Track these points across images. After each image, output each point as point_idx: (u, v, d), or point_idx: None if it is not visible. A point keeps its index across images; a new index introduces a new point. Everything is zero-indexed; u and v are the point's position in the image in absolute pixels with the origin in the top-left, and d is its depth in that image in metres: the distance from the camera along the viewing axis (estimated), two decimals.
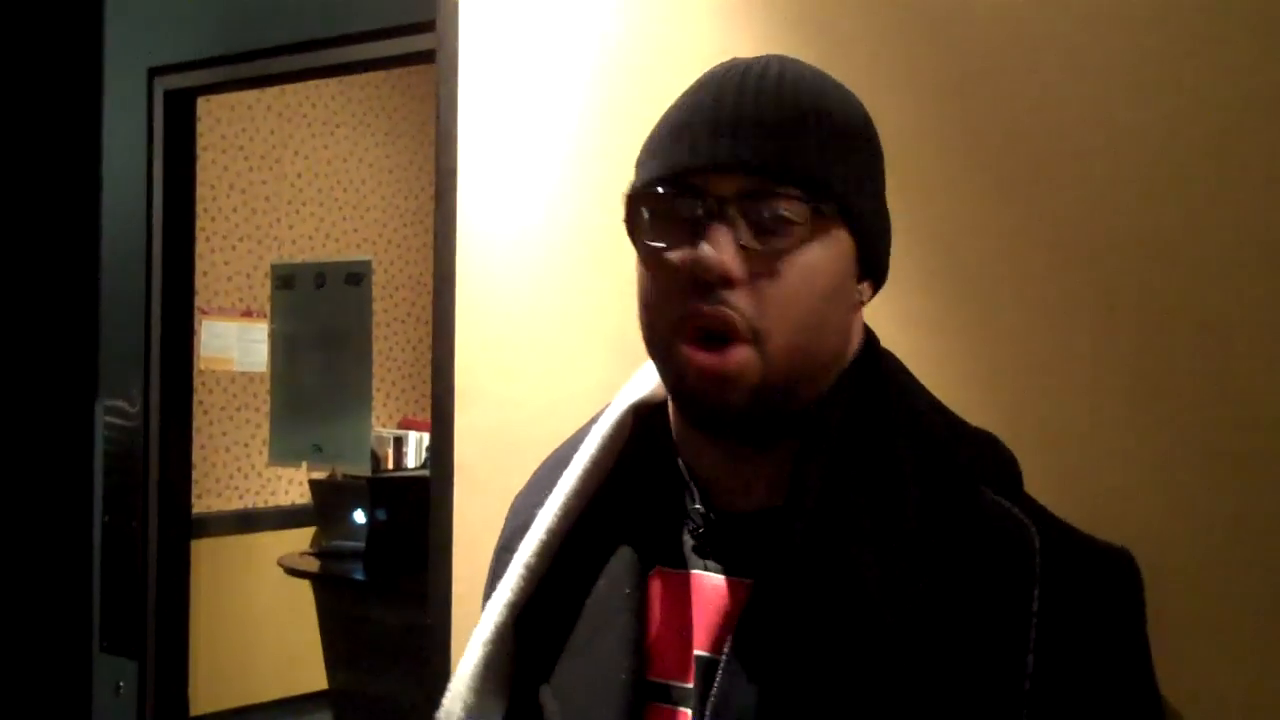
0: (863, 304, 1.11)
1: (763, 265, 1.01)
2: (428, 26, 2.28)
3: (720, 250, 1.00)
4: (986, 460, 1.11)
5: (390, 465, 5.50)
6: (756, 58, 1.10)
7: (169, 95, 2.97)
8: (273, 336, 3.25)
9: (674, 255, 1.03)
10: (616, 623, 1.11)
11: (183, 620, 3.22)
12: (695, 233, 1.02)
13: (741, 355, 1.01)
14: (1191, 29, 1.52)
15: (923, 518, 1.03)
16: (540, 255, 2.07)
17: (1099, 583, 1.04)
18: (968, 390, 1.61)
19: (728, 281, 1.00)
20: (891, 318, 1.66)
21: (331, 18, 2.59)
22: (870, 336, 1.15)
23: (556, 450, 1.28)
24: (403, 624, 4.42)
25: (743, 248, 1.01)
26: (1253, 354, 1.48)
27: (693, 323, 1.02)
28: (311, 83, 5.51)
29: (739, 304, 1.01)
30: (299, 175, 6.07)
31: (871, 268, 1.10)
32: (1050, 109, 1.60)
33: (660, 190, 1.05)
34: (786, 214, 1.01)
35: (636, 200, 1.08)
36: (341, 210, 6.30)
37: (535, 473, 1.29)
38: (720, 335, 1.01)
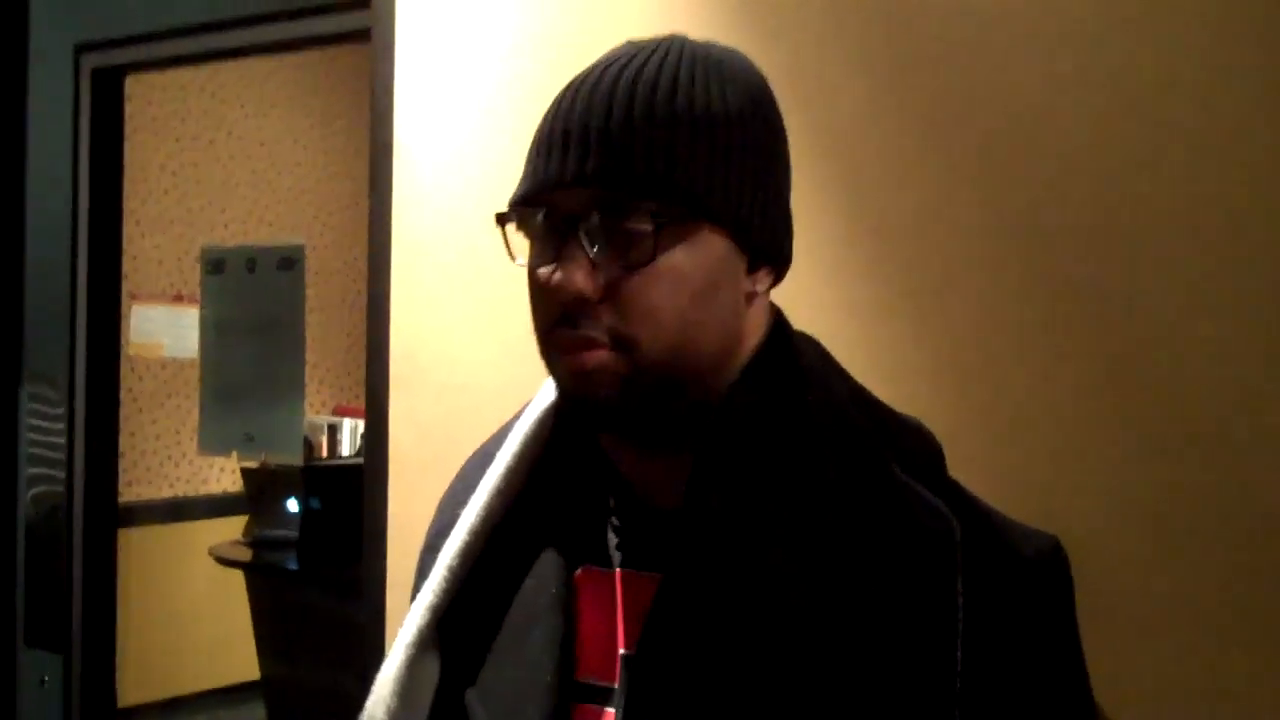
0: (758, 294, 1.09)
1: (617, 279, 1.00)
2: (362, 4, 2.24)
3: (573, 272, 1.00)
4: (909, 446, 1.09)
5: (324, 453, 5.44)
6: (633, 47, 1.08)
7: (96, 73, 2.89)
8: (203, 322, 3.18)
9: (539, 274, 1.03)
10: (543, 623, 1.10)
11: (110, 612, 3.15)
12: (556, 250, 1.02)
13: (603, 355, 1.01)
14: (1150, 7, 1.50)
15: (837, 508, 1.02)
16: (480, 239, 2.04)
17: (1024, 573, 1.03)
18: (915, 381, 1.60)
19: (583, 303, 1.00)
20: (837, 306, 1.65)
21: None
22: (780, 322, 1.13)
23: (482, 446, 1.26)
24: (336, 614, 4.38)
25: (596, 264, 1.00)
26: (1208, 349, 1.47)
27: (560, 343, 1.03)
28: (245, 62, 5.41)
29: (601, 319, 1.01)
30: (231, 157, 5.99)
31: (764, 257, 1.08)
32: (1004, 96, 1.59)
33: (521, 209, 1.06)
34: (636, 225, 1.00)
35: (504, 219, 1.09)
36: (275, 193, 6.22)
37: (461, 469, 1.27)
38: (584, 348, 1.02)
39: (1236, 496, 1.44)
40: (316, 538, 4.69)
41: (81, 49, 2.91)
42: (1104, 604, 1.41)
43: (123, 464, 4.93)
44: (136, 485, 5.45)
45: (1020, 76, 1.57)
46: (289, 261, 2.99)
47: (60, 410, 3.09)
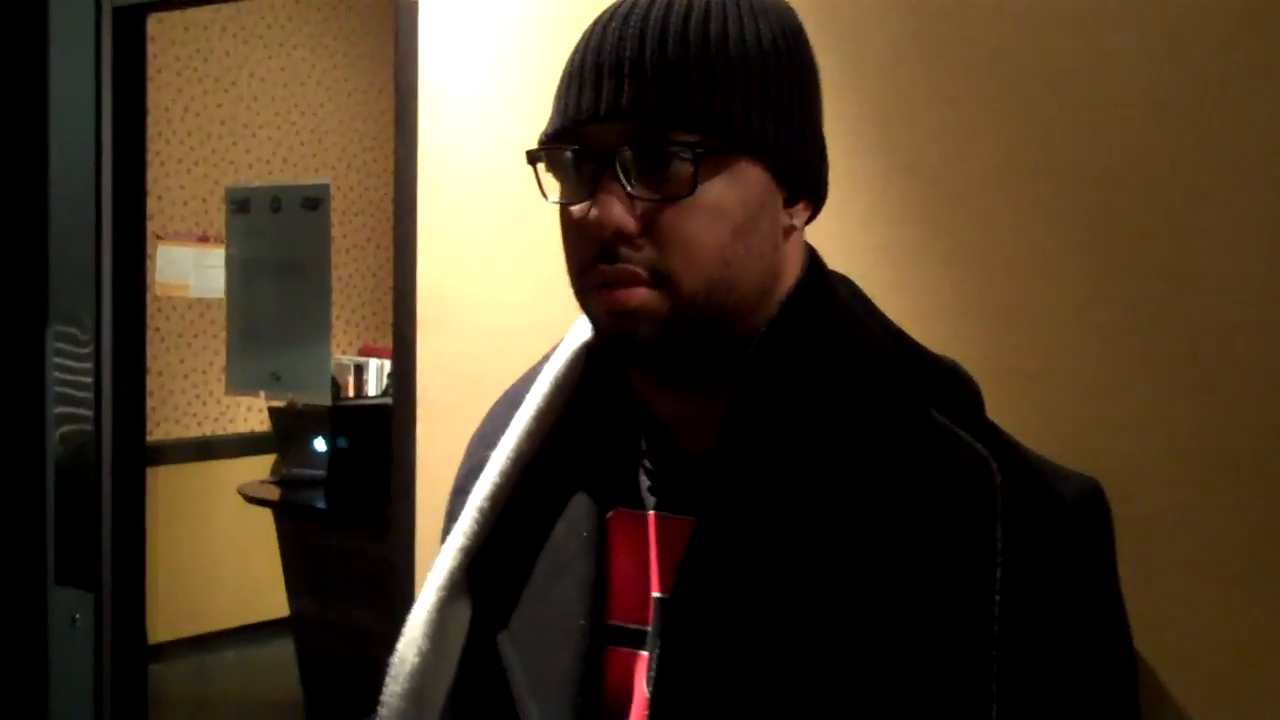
0: (796, 228, 1.08)
1: (659, 212, 0.99)
2: None
3: (611, 205, 0.99)
4: (946, 389, 1.08)
5: (350, 393, 5.46)
6: None
7: (118, 12, 2.87)
8: (228, 261, 3.17)
9: (574, 211, 1.02)
10: (575, 566, 1.10)
11: (139, 549, 3.17)
12: (591, 186, 1.00)
13: (644, 293, 1.00)
14: None
15: (875, 450, 1.01)
16: (507, 177, 2.02)
17: (1064, 517, 1.02)
18: (949, 323, 1.58)
19: (622, 237, 0.99)
20: (870, 247, 1.63)
21: None
22: (815, 262, 1.12)
23: (510, 388, 1.26)
24: (364, 552, 4.40)
25: (635, 198, 0.99)
26: (1250, 283, 1.44)
27: (597, 279, 1.01)
28: (267, 2, 5.39)
29: (639, 255, 0.99)
30: (255, 98, 5.96)
31: (801, 189, 1.07)
32: (1038, 29, 1.55)
33: (553, 146, 1.04)
34: (676, 157, 0.98)
35: (535, 157, 1.07)
36: (299, 134, 6.20)
37: (489, 411, 1.27)
38: (624, 283, 1.00)
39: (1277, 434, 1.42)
40: (344, 477, 4.71)
41: None
42: (1144, 548, 1.39)
43: (150, 403, 4.96)
44: (165, 424, 5.48)
45: (1056, 9, 1.54)
46: (314, 201, 2.97)
47: (87, 350, 3.09)
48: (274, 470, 5.11)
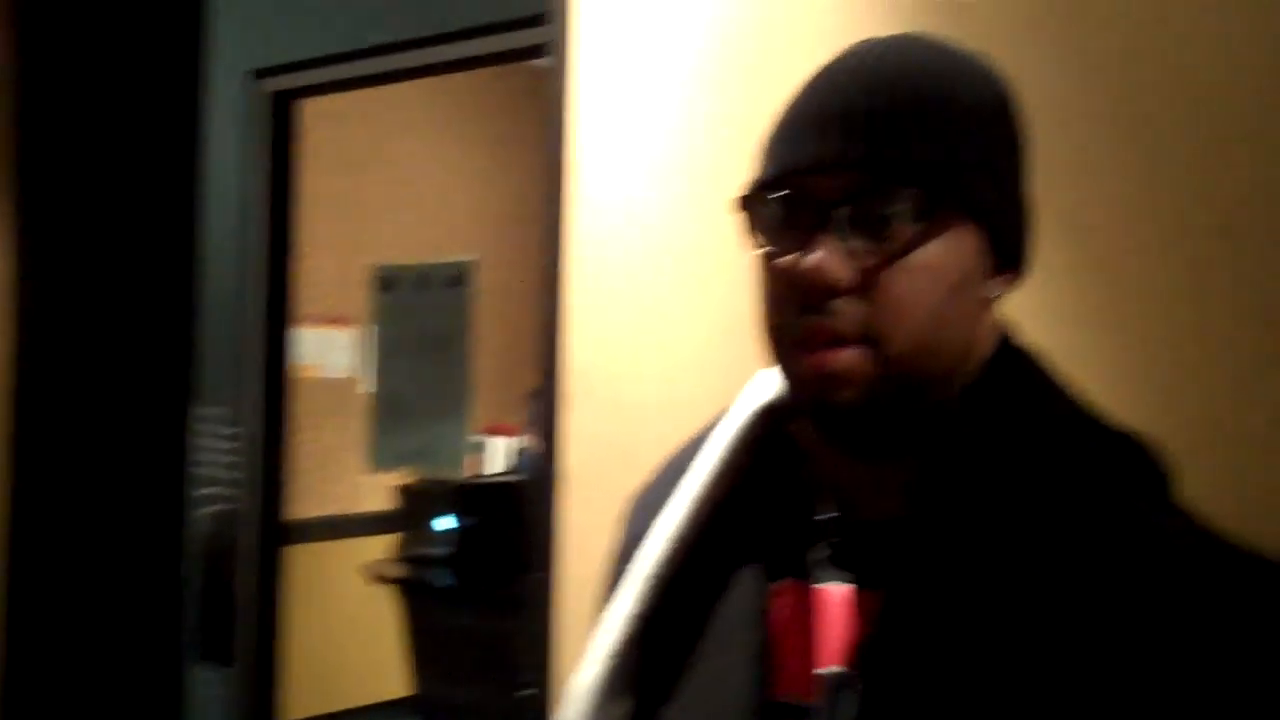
0: (994, 300, 1.05)
1: (875, 268, 0.97)
2: (537, 21, 2.25)
3: (826, 258, 0.96)
4: (1129, 468, 1.03)
5: (473, 471, 5.47)
6: (879, 40, 1.05)
7: (273, 97, 2.95)
8: (373, 340, 3.22)
9: (783, 262, 1.00)
10: (740, 639, 1.08)
11: (273, 629, 3.21)
12: (804, 237, 0.98)
13: (851, 355, 0.97)
14: None
15: (1059, 532, 0.97)
16: (654, 252, 2.04)
17: (1257, 614, 0.95)
18: (1117, 389, 1.54)
19: (835, 291, 0.96)
20: (1037, 311, 1.60)
21: (435, 15, 2.58)
22: (1007, 332, 1.09)
23: (673, 457, 1.24)
24: (491, 630, 4.40)
25: (852, 252, 0.97)
26: None
27: (802, 334, 0.99)
28: (404, 91, 5.49)
29: (849, 311, 0.97)
30: (390, 182, 6.05)
31: (1006, 260, 1.04)
32: (1217, 88, 1.53)
33: (768, 194, 1.02)
34: (898, 213, 0.96)
35: (746, 204, 1.04)
36: (430, 217, 6.27)
37: (651, 479, 1.25)
38: (830, 342, 0.98)
39: None
40: (471, 554, 4.72)
41: (258, 74, 2.97)
42: None
43: (315, 481, 5.04)
44: (295, 503, 5.54)
45: (1221, 69, 1.52)
46: (457, 278, 3.02)
47: (231, 431, 3.16)
48: (398, 549, 5.12)
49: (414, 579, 4.88)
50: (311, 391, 5.48)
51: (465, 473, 5.39)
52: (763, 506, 1.13)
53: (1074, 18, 1.63)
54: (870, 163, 0.97)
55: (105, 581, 3.36)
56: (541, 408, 2.26)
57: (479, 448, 5.54)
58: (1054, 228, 1.61)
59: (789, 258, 0.99)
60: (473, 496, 4.81)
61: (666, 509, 1.16)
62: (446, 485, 4.73)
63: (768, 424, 1.15)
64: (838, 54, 1.05)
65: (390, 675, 5.35)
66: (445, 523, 4.83)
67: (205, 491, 3.25)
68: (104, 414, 3.23)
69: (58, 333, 3.16)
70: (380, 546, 5.35)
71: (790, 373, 1.03)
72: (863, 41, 1.06)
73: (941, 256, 0.98)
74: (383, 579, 4.93)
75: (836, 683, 1.02)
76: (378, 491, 5.71)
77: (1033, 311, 1.58)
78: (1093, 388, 1.11)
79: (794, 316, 0.99)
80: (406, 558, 5.02)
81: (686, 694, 1.10)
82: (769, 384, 1.16)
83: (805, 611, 1.07)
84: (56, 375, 3.18)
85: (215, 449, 3.21)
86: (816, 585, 1.07)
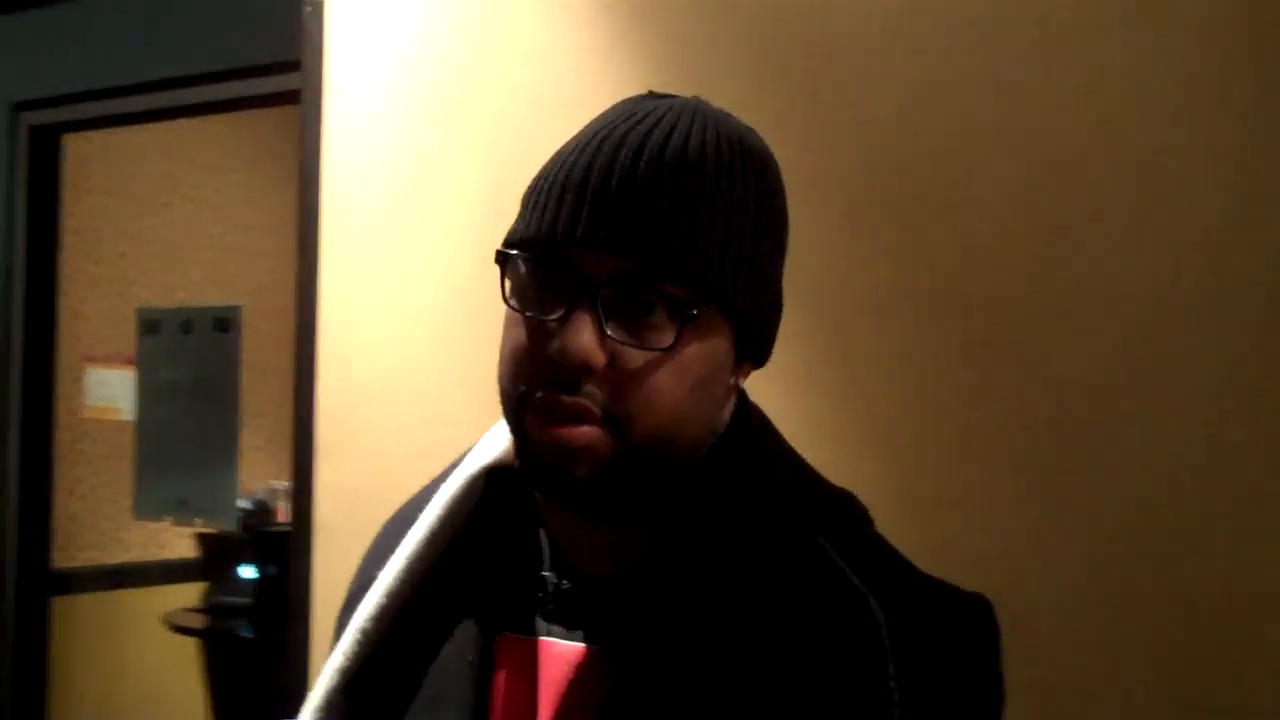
0: (738, 386, 1.05)
1: (628, 356, 0.95)
2: (292, 66, 2.22)
3: (582, 336, 0.94)
4: (836, 515, 1.06)
5: (281, 518, 5.37)
6: (661, 105, 1.02)
7: (33, 131, 2.88)
8: (139, 384, 3.14)
9: (537, 329, 0.97)
10: (456, 693, 1.06)
11: (40, 681, 3.10)
12: (561, 308, 0.96)
13: (592, 434, 0.95)
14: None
15: (769, 586, 0.98)
16: (411, 300, 2.02)
17: (954, 642, 0.99)
18: (836, 449, 1.56)
19: (588, 370, 0.94)
20: (763, 370, 1.62)
21: (198, 55, 2.53)
22: (741, 398, 1.09)
23: (403, 507, 1.21)
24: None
25: (607, 335, 0.95)
26: (1135, 419, 1.46)
27: (546, 404, 0.96)
28: (200, 125, 5.40)
29: (597, 392, 0.95)
30: (187, 220, 5.93)
31: (752, 351, 1.05)
32: (930, 158, 1.57)
33: (528, 254, 0.99)
34: (660, 307, 0.95)
35: (503, 259, 1.01)
36: (232, 255, 6.16)
37: (382, 529, 1.22)
38: (573, 417, 0.96)
39: (1169, 571, 1.43)
40: (272, 604, 4.62)
41: (18, 106, 2.89)
42: (1036, 676, 1.38)
43: (74, 528, 4.88)
44: (89, 550, 5.37)
45: (944, 128, 1.56)
46: (225, 323, 2.95)
47: None
48: (203, 598, 5.00)
49: (216, 629, 4.77)
50: (110, 434, 5.34)
51: (274, 520, 5.30)
52: (488, 560, 1.11)
53: (799, 98, 1.65)
54: (637, 252, 0.95)
55: None
56: (294, 458, 2.22)
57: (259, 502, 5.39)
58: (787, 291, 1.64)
59: (547, 324, 0.97)
60: (271, 545, 4.71)
61: (387, 564, 1.13)
62: (247, 534, 4.64)
63: (494, 478, 1.14)
64: (617, 110, 1.03)
65: None
66: (248, 571, 4.73)
67: None
68: None
69: None
70: (181, 596, 5.22)
71: (524, 437, 1.00)
72: (642, 101, 1.04)
73: (693, 353, 0.97)
74: (184, 629, 4.80)
75: None
76: (179, 539, 5.57)
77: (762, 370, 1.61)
78: (812, 446, 1.11)
79: (539, 386, 0.97)
80: (208, 607, 4.91)
81: None
82: (500, 438, 1.14)
83: (528, 665, 1.06)
84: None
85: None
86: (540, 639, 1.06)
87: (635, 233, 0.95)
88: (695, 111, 1.02)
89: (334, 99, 2.14)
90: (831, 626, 0.96)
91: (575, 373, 0.94)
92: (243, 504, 4.12)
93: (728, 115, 1.05)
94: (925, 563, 1.08)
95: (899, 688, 0.94)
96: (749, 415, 1.09)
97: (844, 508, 1.09)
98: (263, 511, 5.14)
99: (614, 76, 1.80)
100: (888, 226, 1.58)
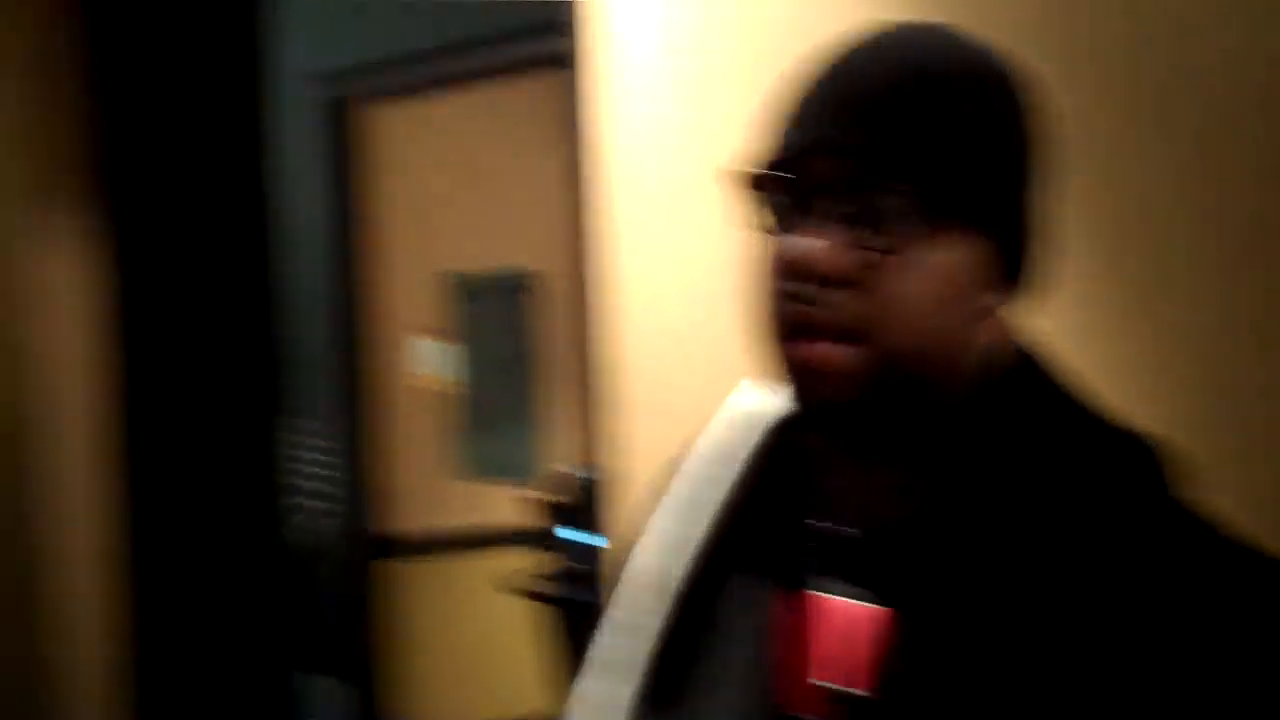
0: (995, 309, 1.02)
1: (867, 261, 0.95)
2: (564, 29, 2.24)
3: (816, 245, 0.95)
4: (1142, 470, 0.98)
5: None
6: (898, 25, 1.02)
7: (327, 103, 2.96)
8: (460, 351, 3.21)
9: (776, 243, 0.99)
10: (739, 652, 1.07)
11: (370, 642, 3.22)
12: (798, 220, 0.97)
13: (833, 350, 0.95)
14: None
15: (1073, 542, 0.93)
16: (688, 256, 2.08)
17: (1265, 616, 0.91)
18: (1146, 390, 1.48)
19: (824, 280, 0.94)
20: (1063, 308, 1.51)
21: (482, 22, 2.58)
22: (1019, 339, 1.05)
23: (682, 460, 1.20)
24: None
25: (847, 243, 0.95)
26: None
27: (789, 318, 0.98)
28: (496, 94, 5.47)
29: (839, 301, 0.95)
30: (477, 187, 6.01)
31: (1011, 272, 1.02)
32: (1233, 78, 1.46)
33: (768, 173, 1.00)
34: (893, 208, 0.94)
35: (746, 182, 1.03)
36: (524, 222, 6.21)
37: (655, 485, 1.23)
38: (815, 333, 0.96)
39: None
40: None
41: (319, 79, 2.97)
42: None
43: (410, 493, 5.05)
44: (424, 515, 5.54)
45: (1246, 59, 1.45)
46: (530, 288, 2.98)
47: (325, 442, 3.16)
48: (543, 564, 5.11)
49: (563, 595, 4.86)
50: (425, 400, 5.49)
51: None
52: (766, 515, 1.12)
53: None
54: (867, 152, 0.95)
55: (213, 592, 3.40)
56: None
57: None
58: (1086, 228, 1.52)
59: (785, 239, 0.98)
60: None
61: (666, 521, 1.14)
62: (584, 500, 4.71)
63: (780, 432, 1.13)
64: (854, 36, 1.04)
65: (529, 692, 5.34)
66: (573, 535, 4.79)
67: (304, 503, 3.26)
68: (195, 430, 3.25)
69: (144, 347, 3.19)
70: (508, 561, 5.33)
71: (775, 357, 1.02)
72: (881, 25, 1.03)
73: (936, 259, 0.97)
74: (529, 594, 4.91)
75: (841, 699, 1.02)
76: (505, 503, 5.69)
77: (1060, 307, 1.50)
78: (1116, 392, 1.07)
79: (779, 300, 0.99)
80: (552, 573, 5.00)
81: (687, 710, 1.09)
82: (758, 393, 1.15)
83: (804, 623, 1.06)
84: (144, 391, 3.20)
85: (311, 460, 3.22)
86: (816, 594, 1.06)
87: (859, 134, 0.94)
88: (935, 30, 1.03)
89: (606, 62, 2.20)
90: (1149, 584, 0.91)
91: (812, 281, 0.94)
92: (578, 472, 4.22)
93: (972, 36, 1.04)
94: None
95: (1204, 654, 0.89)
96: (1028, 351, 1.05)
97: (1152, 457, 1.00)
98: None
99: None
100: (1195, 153, 1.47)
